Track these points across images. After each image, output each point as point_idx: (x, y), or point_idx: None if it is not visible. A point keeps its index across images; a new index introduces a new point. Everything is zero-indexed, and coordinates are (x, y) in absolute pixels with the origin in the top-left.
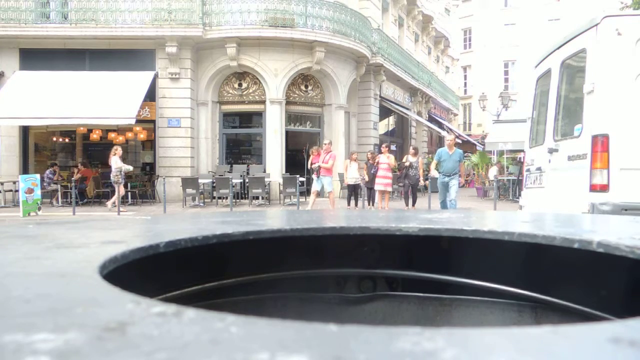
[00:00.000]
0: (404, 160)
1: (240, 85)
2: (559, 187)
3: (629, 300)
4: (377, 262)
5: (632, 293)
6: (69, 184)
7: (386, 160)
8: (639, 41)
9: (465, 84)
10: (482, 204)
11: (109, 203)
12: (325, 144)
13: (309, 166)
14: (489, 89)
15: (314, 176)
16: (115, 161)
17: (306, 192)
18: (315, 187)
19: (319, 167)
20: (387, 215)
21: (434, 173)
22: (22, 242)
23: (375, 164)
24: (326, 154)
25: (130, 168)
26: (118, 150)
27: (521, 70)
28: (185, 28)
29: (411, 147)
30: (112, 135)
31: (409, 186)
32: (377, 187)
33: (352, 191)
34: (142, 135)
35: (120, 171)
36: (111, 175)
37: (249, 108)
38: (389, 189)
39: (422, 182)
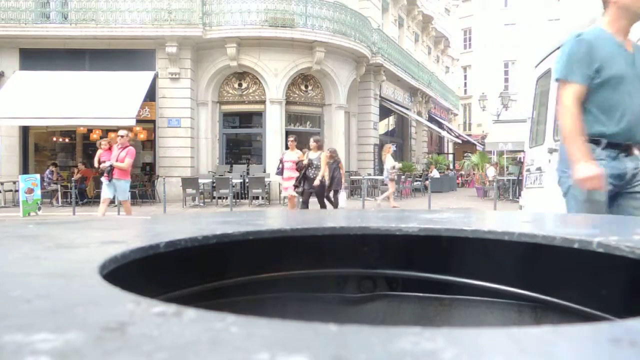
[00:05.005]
0: (303, 156)
1: (240, 85)
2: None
3: (629, 300)
4: (377, 262)
5: (632, 293)
6: (69, 184)
7: (294, 157)
8: (639, 41)
9: (465, 84)
10: (482, 204)
11: (379, 199)
12: (120, 137)
13: (95, 164)
14: (489, 89)
15: (103, 179)
16: (389, 159)
17: None
18: (106, 193)
19: (112, 167)
20: (387, 215)
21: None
22: (22, 242)
23: (281, 161)
24: (121, 150)
25: (400, 165)
26: (391, 147)
27: (521, 70)
28: (185, 28)
29: (312, 139)
30: (112, 135)
31: (309, 193)
32: (283, 193)
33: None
34: (142, 135)
35: (394, 167)
36: (385, 172)
37: (249, 108)
38: (292, 192)
39: (324, 182)
